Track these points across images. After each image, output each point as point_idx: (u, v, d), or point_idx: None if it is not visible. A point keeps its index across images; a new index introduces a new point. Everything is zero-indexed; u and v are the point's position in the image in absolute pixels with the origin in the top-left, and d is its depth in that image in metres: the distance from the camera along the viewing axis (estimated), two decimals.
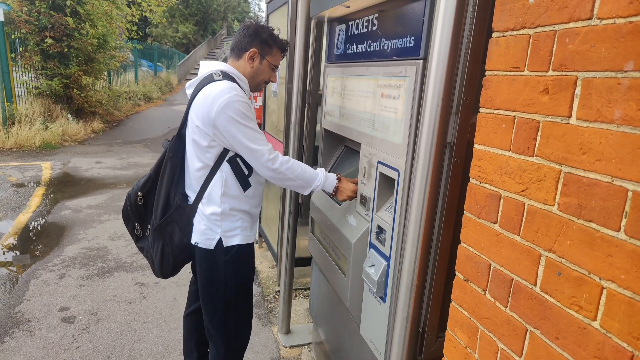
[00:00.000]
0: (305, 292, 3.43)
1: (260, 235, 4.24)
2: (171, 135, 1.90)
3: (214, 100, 1.55)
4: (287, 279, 2.70)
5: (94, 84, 10.67)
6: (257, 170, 1.67)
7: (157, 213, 1.72)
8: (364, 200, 1.68)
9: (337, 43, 2.00)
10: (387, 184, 1.55)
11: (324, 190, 1.78)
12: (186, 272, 2.69)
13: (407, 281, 1.25)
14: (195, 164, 1.67)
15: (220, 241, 1.70)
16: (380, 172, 1.55)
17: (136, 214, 1.78)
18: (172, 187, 1.72)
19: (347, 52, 1.87)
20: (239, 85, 1.67)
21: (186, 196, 1.75)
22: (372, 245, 1.63)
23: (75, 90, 9.55)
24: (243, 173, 1.71)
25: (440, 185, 1.19)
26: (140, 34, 19.49)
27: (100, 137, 9.68)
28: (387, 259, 1.50)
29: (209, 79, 1.64)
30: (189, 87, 1.73)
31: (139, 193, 1.74)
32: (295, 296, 3.34)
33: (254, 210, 1.80)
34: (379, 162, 1.56)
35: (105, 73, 11.68)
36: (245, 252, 1.78)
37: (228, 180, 1.67)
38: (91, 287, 3.31)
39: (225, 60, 1.90)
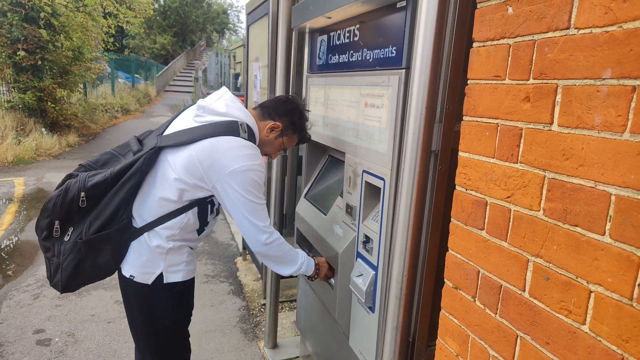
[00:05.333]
0: (292, 305, 3.38)
1: (244, 248, 4.18)
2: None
3: (233, 161, 1.42)
4: (273, 292, 2.66)
5: (69, 96, 10.43)
6: (248, 243, 1.55)
7: (95, 224, 1.46)
8: (350, 210, 1.68)
9: (319, 53, 2.01)
10: (372, 192, 1.55)
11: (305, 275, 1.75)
12: None
13: (396, 290, 1.25)
14: (162, 194, 1.49)
15: (160, 276, 1.53)
16: (365, 181, 1.55)
17: (65, 212, 1.46)
18: (125, 204, 1.48)
19: (330, 62, 1.88)
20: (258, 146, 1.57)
21: (132, 218, 1.52)
22: (359, 255, 1.62)
23: (49, 104, 9.31)
24: (206, 217, 1.59)
25: (426, 193, 1.20)
26: (117, 45, 19.20)
27: (76, 151, 9.43)
28: (375, 268, 1.50)
29: (234, 128, 1.49)
30: (203, 110, 1.53)
31: (82, 194, 1.44)
32: (282, 309, 3.29)
33: (195, 249, 1.69)
34: (364, 171, 1.56)
35: (81, 85, 11.44)
36: (187, 288, 1.64)
37: (189, 222, 1.53)
38: (68, 307, 3.18)
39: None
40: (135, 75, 20.29)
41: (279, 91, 2.36)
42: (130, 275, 1.54)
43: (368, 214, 1.60)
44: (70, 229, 1.50)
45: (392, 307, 1.29)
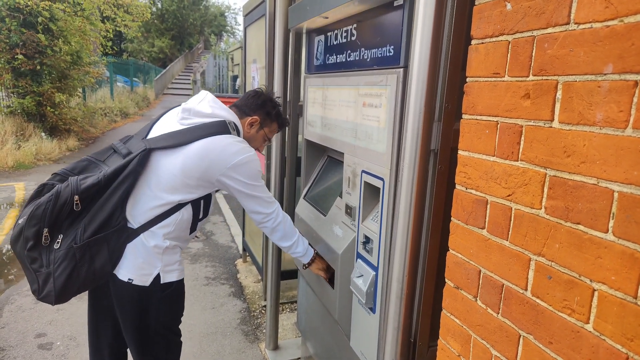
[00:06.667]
0: (292, 306, 3.37)
1: (244, 250, 4.17)
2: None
3: (233, 156, 1.52)
4: (273, 294, 2.65)
5: (68, 100, 10.42)
6: (258, 225, 1.72)
7: (91, 227, 1.43)
8: (349, 210, 1.67)
9: (316, 54, 2.00)
10: (372, 193, 1.54)
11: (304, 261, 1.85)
12: None
13: (397, 290, 1.24)
14: (156, 194, 1.51)
15: (157, 277, 1.55)
16: (364, 182, 1.54)
17: (54, 219, 1.41)
18: (121, 205, 1.47)
19: (327, 62, 1.87)
20: None
21: (127, 219, 1.52)
22: (359, 256, 1.61)
23: (48, 108, 9.30)
24: (198, 217, 1.62)
25: (426, 193, 1.19)
26: (116, 49, 19.21)
27: (76, 155, 9.42)
28: (375, 268, 1.49)
29: (224, 127, 1.56)
30: (189, 112, 1.58)
31: (76, 197, 1.41)
32: (282, 310, 3.28)
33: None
34: (363, 171, 1.55)
35: (80, 89, 11.44)
36: (181, 288, 1.68)
37: (184, 218, 1.56)
38: (69, 310, 3.17)
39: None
40: (134, 78, 20.29)
41: (277, 93, 2.35)
42: (129, 279, 1.53)
43: (368, 214, 1.59)
44: (60, 236, 1.45)
45: (393, 308, 1.28)
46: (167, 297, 1.61)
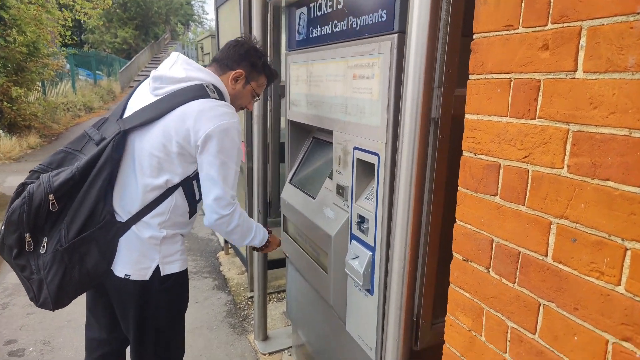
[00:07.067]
0: (280, 295, 3.30)
1: (226, 242, 4.05)
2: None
3: (209, 122, 1.33)
4: (260, 284, 2.57)
5: (27, 95, 9.82)
6: (205, 209, 1.41)
7: (73, 227, 1.32)
8: (341, 190, 1.60)
9: (298, 28, 1.90)
10: (365, 170, 1.47)
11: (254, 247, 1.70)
12: None
13: (399, 269, 1.18)
14: (142, 180, 1.37)
15: (157, 269, 1.43)
16: (357, 159, 1.47)
17: (33, 222, 1.30)
18: (103, 197, 1.34)
19: (311, 36, 1.77)
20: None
21: (113, 212, 1.39)
22: (353, 237, 1.55)
23: (5, 103, 8.74)
24: (194, 198, 1.48)
25: (427, 165, 1.13)
26: (75, 39, 18.25)
27: (39, 153, 8.91)
28: (372, 249, 1.43)
29: (201, 91, 1.39)
30: (160, 80, 1.42)
31: (50, 196, 1.28)
32: (270, 300, 3.20)
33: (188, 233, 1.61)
34: (355, 148, 1.48)
35: (39, 83, 10.79)
36: (184, 278, 1.56)
37: (177, 204, 1.43)
38: (41, 314, 2.98)
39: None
40: (97, 71, 19.40)
41: None
42: (125, 275, 1.42)
43: (361, 193, 1.52)
44: (45, 239, 1.34)
45: (395, 287, 1.22)
46: (169, 290, 1.49)
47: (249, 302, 3.17)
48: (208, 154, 1.35)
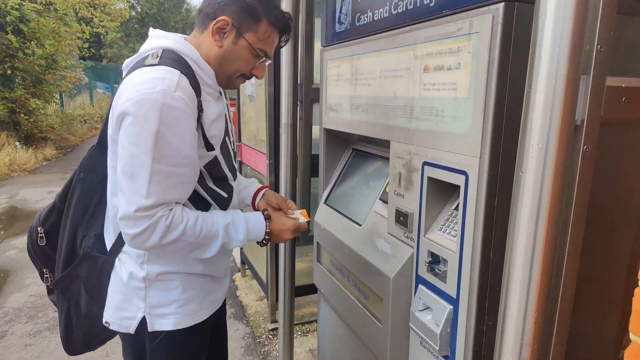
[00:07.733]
0: (304, 328, 2.91)
1: (243, 262, 3.68)
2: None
3: (129, 90, 0.94)
4: (286, 318, 2.19)
5: (45, 107, 9.79)
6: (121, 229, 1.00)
7: (60, 261, 1.17)
8: (402, 218, 1.22)
9: (339, 17, 1.55)
10: (439, 193, 1.10)
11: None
12: None
13: (515, 344, 0.79)
14: (113, 200, 1.08)
15: (143, 321, 1.10)
16: (428, 177, 1.10)
17: (40, 257, 1.23)
18: (80, 225, 1.13)
19: (358, 24, 1.43)
20: (190, 73, 1.01)
21: (101, 241, 1.14)
22: (421, 280, 1.17)
23: (22, 115, 8.68)
24: (207, 202, 1.12)
25: (563, 192, 0.74)
26: (94, 51, 18.49)
27: (54, 165, 8.80)
28: (453, 301, 1.04)
29: (140, 62, 1.04)
30: (125, 68, 1.11)
31: (39, 229, 1.18)
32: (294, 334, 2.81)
33: (216, 272, 1.19)
34: (425, 163, 1.11)
35: (57, 95, 10.79)
36: (184, 340, 1.14)
37: None
38: (40, 346, 2.67)
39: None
40: (115, 85, 19.61)
41: (284, 76, 1.89)
42: (105, 322, 1.14)
43: (432, 223, 1.15)
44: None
45: None
46: (163, 351, 1.13)
47: (270, 336, 2.80)
48: (120, 143, 0.95)
